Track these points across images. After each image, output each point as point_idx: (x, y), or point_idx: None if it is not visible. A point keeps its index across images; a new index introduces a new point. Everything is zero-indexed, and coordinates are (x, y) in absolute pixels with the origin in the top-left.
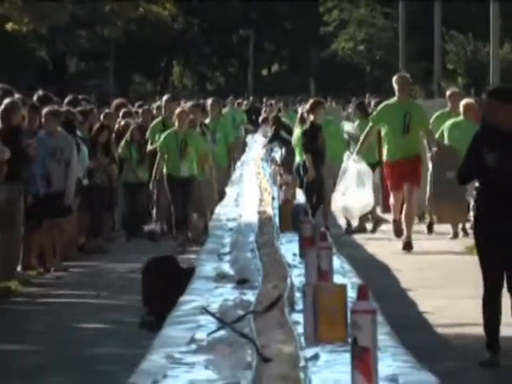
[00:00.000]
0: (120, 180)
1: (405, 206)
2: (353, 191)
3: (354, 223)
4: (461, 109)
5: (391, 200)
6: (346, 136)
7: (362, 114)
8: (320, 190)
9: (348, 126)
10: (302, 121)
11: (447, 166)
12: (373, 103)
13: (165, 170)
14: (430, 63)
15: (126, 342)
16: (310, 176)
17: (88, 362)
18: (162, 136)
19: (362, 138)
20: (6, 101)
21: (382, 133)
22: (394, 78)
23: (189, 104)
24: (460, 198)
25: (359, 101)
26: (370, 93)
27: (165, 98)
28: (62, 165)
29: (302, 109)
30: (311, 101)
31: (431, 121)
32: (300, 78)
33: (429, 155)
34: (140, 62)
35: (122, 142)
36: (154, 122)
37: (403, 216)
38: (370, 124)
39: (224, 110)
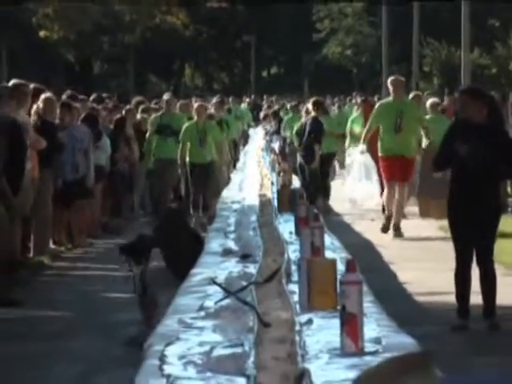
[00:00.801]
0: (142, 167)
1: (395, 199)
2: (360, 183)
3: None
4: (428, 107)
5: (384, 196)
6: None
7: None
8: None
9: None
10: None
11: None
12: (359, 100)
13: (187, 158)
14: (409, 65)
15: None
16: (316, 163)
17: (111, 327)
18: (183, 128)
19: (363, 135)
20: (42, 97)
21: (380, 130)
22: (389, 80)
23: (213, 101)
24: (445, 194)
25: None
26: (357, 92)
27: (165, 96)
28: (82, 153)
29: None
30: (315, 99)
31: None
32: (295, 78)
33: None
34: (156, 65)
35: (147, 134)
36: (153, 116)
37: (394, 207)
38: (370, 122)
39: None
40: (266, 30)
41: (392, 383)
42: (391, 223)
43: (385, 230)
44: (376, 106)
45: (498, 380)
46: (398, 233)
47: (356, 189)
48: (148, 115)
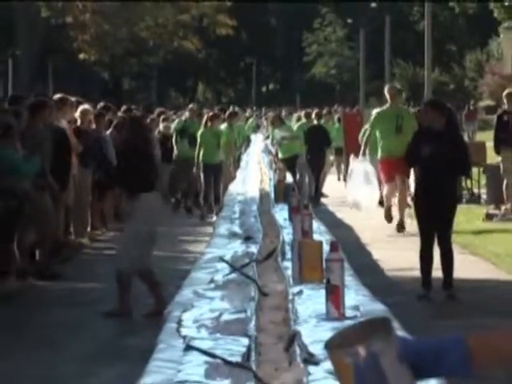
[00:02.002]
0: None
1: (397, 194)
2: (361, 188)
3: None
4: None
5: (385, 191)
6: (280, 139)
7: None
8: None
9: (282, 133)
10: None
11: None
12: (340, 110)
13: (201, 158)
14: (381, 83)
15: (164, 281)
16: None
17: (139, 295)
18: (199, 133)
19: (363, 142)
20: (80, 109)
21: (378, 135)
22: (386, 89)
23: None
24: None
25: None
26: (338, 104)
27: (191, 105)
28: (112, 154)
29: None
30: (317, 110)
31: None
32: (288, 93)
33: None
34: (174, 82)
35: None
36: (177, 121)
37: (396, 202)
38: (369, 129)
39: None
40: (264, 53)
41: (358, 342)
42: (392, 212)
43: (389, 219)
44: (374, 115)
45: (448, 341)
46: (400, 228)
47: (358, 193)
48: (168, 123)
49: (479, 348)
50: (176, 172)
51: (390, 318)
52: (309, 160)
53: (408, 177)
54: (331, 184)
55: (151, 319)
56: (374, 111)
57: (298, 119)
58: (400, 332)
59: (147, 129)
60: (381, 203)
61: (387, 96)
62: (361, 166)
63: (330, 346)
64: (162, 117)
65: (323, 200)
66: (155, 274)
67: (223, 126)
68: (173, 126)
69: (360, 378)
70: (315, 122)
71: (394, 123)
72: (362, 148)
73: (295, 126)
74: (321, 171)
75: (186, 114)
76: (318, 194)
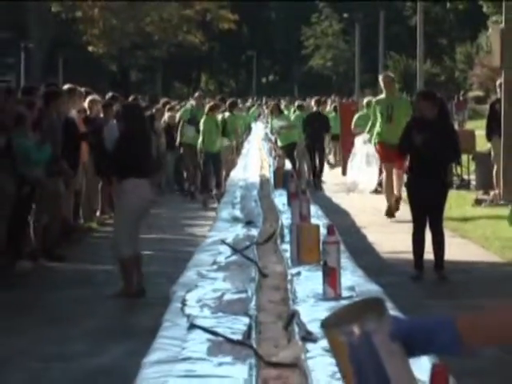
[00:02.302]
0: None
1: (395, 188)
2: (362, 170)
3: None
4: None
5: (384, 184)
6: (278, 128)
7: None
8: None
9: (280, 122)
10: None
11: None
12: (337, 100)
13: (202, 146)
14: (376, 74)
15: (169, 263)
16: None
17: (147, 278)
18: (202, 122)
19: (367, 127)
20: (88, 98)
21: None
22: (380, 78)
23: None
24: None
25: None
26: (335, 94)
27: (196, 94)
28: None
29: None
30: (317, 98)
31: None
32: (287, 84)
33: None
34: (179, 74)
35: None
36: (184, 109)
37: (396, 194)
38: (372, 116)
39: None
40: (264, 46)
41: (352, 322)
42: (393, 208)
43: (390, 215)
44: (374, 102)
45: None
46: (389, 214)
47: (358, 174)
48: (173, 113)
49: (468, 328)
50: (182, 158)
51: (383, 299)
52: (307, 145)
53: (403, 170)
54: (327, 170)
55: (120, 300)
56: (374, 99)
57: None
58: (393, 311)
59: (142, 117)
60: (376, 190)
61: (382, 84)
62: (364, 148)
63: (325, 325)
64: (168, 106)
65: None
66: (140, 259)
67: (226, 115)
68: (178, 114)
69: (354, 355)
70: (315, 108)
71: (385, 112)
72: (366, 131)
73: (292, 116)
74: (321, 156)
75: (192, 102)
76: (319, 178)
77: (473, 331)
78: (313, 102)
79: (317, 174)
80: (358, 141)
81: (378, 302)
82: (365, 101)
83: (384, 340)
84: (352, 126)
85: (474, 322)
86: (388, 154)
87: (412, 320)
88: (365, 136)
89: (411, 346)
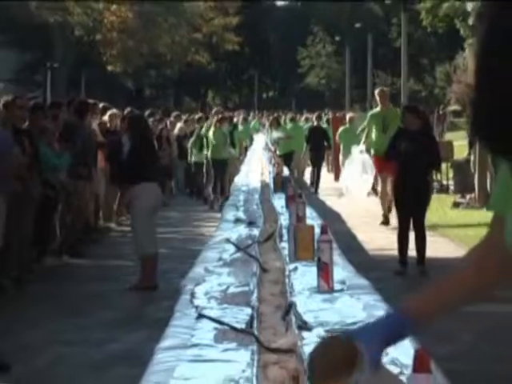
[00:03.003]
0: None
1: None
2: (356, 177)
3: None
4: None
5: (380, 193)
6: (276, 139)
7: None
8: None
9: (278, 134)
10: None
11: None
12: (330, 114)
13: (210, 155)
14: (364, 90)
15: (179, 259)
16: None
17: (160, 273)
18: (211, 133)
19: (363, 138)
20: (108, 113)
21: (372, 134)
22: (376, 92)
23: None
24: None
25: (276, 116)
26: (328, 108)
27: (215, 110)
28: None
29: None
30: (318, 113)
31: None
32: (285, 99)
33: None
34: (188, 90)
35: (192, 138)
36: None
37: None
38: (367, 128)
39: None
40: (265, 66)
41: (341, 375)
42: (389, 216)
43: (386, 223)
44: (369, 115)
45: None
46: (385, 221)
47: (352, 181)
48: (183, 126)
49: (420, 314)
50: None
51: (357, 345)
52: (310, 156)
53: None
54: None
55: (136, 293)
56: (370, 113)
57: (306, 120)
58: (378, 303)
59: (146, 127)
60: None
61: (377, 99)
62: (360, 157)
63: (314, 378)
64: (184, 118)
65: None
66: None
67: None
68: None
69: None
70: (315, 123)
71: (380, 124)
72: (362, 143)
73: (288, 126)
74: (320, 166)
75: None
76: (317, 184)
77: (424, 312)
78: (314, 117)
79: (315, 180)
80: (355, 150)
81: (354, 347)
82: (348, 117)
83: (367, 378)
84: (337, 138)
85: (423, 303)
86: (384, 164)
87: (374, 338)
88: (361, 146)
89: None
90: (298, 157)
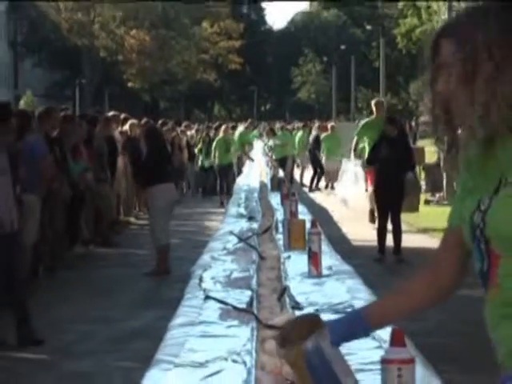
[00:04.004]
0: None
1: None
2: (350, 187)
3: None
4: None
5: (370, 194)
6: (272, 146)
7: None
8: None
9: (273, 141)
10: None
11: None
12: (317, 124)
13: (217, 161)
14: (348, 103)
15: (189, 249)
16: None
17: (172, 261)
18: (215, 142)
19: (352, 148)
20: (129, 122)
21: (366, 143)
22: (373, 103)
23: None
24: (416, 192)
25: (270, 126)
26: (317, 119)
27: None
28: None
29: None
30: (318, 123)
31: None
32: (281, 111)
33: None
34: (197, 103)
35: (199, 146)
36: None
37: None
38: (356, 137)
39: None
40: (263, 82)
41: (304, 338)
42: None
43: (372, 221)
44: (362, 124)
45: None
46: (371, 218)
47: (347, 191)
48: (192, 133)
49: (375, 319)
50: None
51: (318, 315)
52: (314, 159)
53: None
54: (309, 177)
55: (152, 278)
56: (362, 121)
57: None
58: (360, 286)
59: (159, 136)
60: (371, 220)
61: (373, 108)
62: (352, 168)
63: (281, 345)
64: (195, 128)
65: (305, 189)
66: (169, 246)
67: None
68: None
69: (312, 363)
70: (314, 132)
71: (376, 133)
72: (352, 153)
73: (281, 134)
74: (322, 167)
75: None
76: (318, 181)
77: (379, 319)
78: (315, 127)
79: (317, 178)
80: (348, 162)
81: (316, 317)
82: (329, 126)
83: (328, 347)
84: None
85: (378, 311)
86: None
87: (337, 328)
88: (355, 161)
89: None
90: (290, 161)
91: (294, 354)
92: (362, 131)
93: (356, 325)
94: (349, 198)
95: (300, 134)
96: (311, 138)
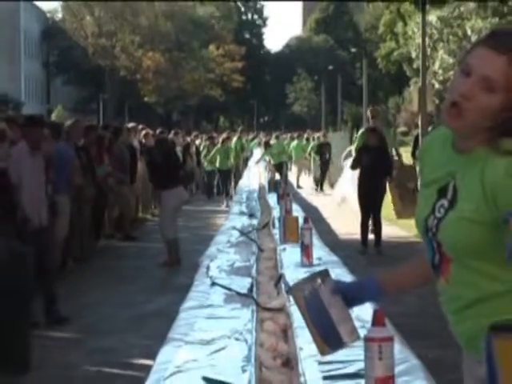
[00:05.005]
0: (201, 169)
1: None
2: (348, 187)
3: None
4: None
5: None
6: (268, 154)
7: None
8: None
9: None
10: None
11: (407, 177)
12: (309, 133)
13: (218, 166)
14: (335, 116)
15: (198, 242)
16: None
17: (184, 252)
18: (216, 149)
19: (353, 155)
20: (143, 132)
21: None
22: (369, 111)
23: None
24: (414, 199)
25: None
26: (308, 130)
27: (240, 129)
28: None
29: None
30: (323, 132)
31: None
32: (277, 123)
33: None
34: (205, 116)
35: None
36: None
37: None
38: (357, 143)
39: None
40: (261, 98)
41: (306, 282)
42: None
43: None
44: (359, 133)
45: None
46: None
47: (345, 191)
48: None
49: (386, 283)
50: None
51: (328, 270)
52: (319, 163)
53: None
54: (303, 180)
55: (165, 267)
56: (361, 129)
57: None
58: (346, 274)
59: (170, 146)
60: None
61: (369, 116)
62: (350, 172)
63: (290, 289)
64: (199, 139)
65: (299, 190)
66: (178, 240)
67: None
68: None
69: (308, 305)
70: (322, 139)
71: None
72: (352, 160)
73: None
74: (326, 169)
75: (236, 138)
76: (322, 183)
77: (389, 284)
78: (322, 135)
79: (321, 180)
80: (347, 165)
81: (325, 272)
82: (315, 135)
83: (327, 293)
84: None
85: (389, 277)
86: None
87: (348, 281)
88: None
89: (348, 299)
90: (285, 166)
91: (296, 299)
92: (361, 138)
93: (367, 283)
94: (348, 197)
95: (295, 143)
96: (315, 144)
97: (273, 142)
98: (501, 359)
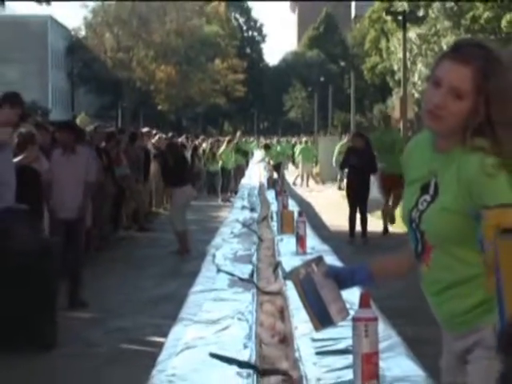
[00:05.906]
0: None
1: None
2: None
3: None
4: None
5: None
6: (266, 156)
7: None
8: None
9: (270, 153)
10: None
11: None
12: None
13: (220, 164)
14: (326, 122)
15: (205, 233)
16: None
17: (196, 242)
18: (222, 149)
19: (334, 165)
20: (156, 136)
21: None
22: (382, 117)
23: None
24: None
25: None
26: (303, 134)
27: (238, 133)
28: None
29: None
30: (265, 143)
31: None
32: (275, 128)
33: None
34: (211, 121)
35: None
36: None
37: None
38: (334, 157)
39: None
40: (262, 106)
41: (301, 267)
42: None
43: (386, 232)
44: (339, 144)
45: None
46: (385, 231)
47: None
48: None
49: (376, 270)
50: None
51: (322, 256)
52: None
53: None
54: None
55: (176, 255)
56: (339, 143)
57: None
58: (335, 261)
59: (179, 149)
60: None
61: (382, 123)
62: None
63: (289, 274)
64: (211, 140)
65: (295, 188)
66: (187, 231)
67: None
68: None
69: (304, 287)
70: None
71: (385, 145)
72: (342, 159)
73: (275, 146)
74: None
75: (237, 138)
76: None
77: (379, 271)
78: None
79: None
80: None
81: (319, 258)
82: (303, 140)
83: (320, 276)
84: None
85: (380, 265)
86: (387, 182)
87: (341, 266)
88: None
89: (340, 282)
90: (283, 166)
91: (294, 282)
92: (376, 144)
93: (359, 269)
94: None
95: (301, 146)
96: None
97: (274, 144)
98: (502, 258)
